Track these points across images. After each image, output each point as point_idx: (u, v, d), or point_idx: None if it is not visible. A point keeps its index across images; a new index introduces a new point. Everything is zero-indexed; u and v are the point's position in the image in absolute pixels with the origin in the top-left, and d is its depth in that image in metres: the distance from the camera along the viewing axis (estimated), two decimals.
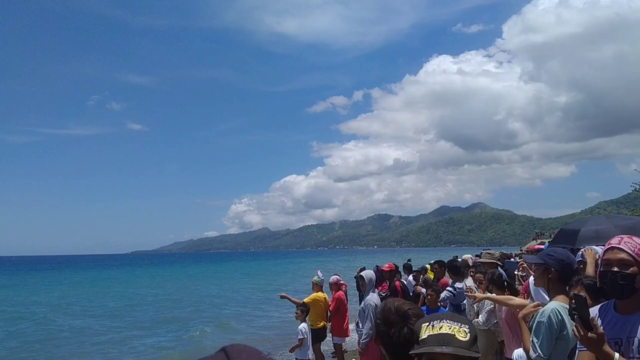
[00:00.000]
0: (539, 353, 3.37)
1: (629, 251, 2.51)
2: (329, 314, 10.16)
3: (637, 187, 23.60)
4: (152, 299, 33.42)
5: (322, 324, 9.96)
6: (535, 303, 4.24)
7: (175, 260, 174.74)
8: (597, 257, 4.16)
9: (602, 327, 2.49)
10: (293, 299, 10.05)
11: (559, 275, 3.58)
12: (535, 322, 3.46)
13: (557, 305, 3.42)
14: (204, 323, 20.94)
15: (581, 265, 4.52)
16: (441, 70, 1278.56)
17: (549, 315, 3.37)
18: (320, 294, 10.05)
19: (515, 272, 10.43)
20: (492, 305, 6.60)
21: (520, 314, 3.94)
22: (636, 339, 2.43)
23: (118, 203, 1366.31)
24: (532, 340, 3.44)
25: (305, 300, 9.85)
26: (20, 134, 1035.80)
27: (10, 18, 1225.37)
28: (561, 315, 3.36)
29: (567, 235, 7.76)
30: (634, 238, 2.56)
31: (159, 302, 31.26)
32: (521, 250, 28.56)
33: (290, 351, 9.30)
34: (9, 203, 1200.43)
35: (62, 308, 29.36)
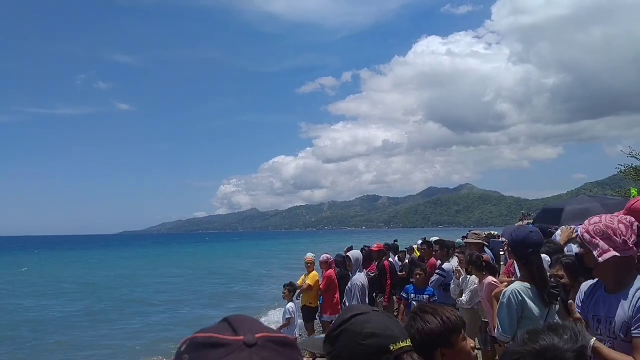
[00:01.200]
0: (501, 332, 3.46)
1: (580, 234, 2.65)
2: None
3: (623, 168, 23.82)
4: (188, 277, 35.05)
5: (317, 303, 10.10)
6: (506, 282, 4.30)
7: (168, 240, 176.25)
8: (574, 236, 4.22)
9: (589, 305, 2.63)
10: (304, 286, 10.06)
11: (514, 254, 3.62)
12: (499, 302, 3.53)
13: (518, 286, 3.47)
14: (266, 299, 21.85)
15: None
16: (430, 51, 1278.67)
17: (509, 296, 3.43)
18: (316, 272, 10.16)
19: (500, 252, 10.61)
20: (475, 285, 6.71)
21: (494, 293, 4.00)
22: (615, 320, 2.49)
23: (106, 184, 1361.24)
24: (497, 320, 3.53)
25: (309, 282, 9.98)
26: (6, 114, 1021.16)
27: None
28: (521, 296, 3.39)
29: (550, 215, 7.89)
30: (592, 219, 2.63)
31: (202, 279, 32.89)
32: None
33: (277, 330, 9.38)
34: None
35: (129, 284, 30.85)
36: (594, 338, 2.45)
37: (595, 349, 2.41)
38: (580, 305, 2.77)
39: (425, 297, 7.70)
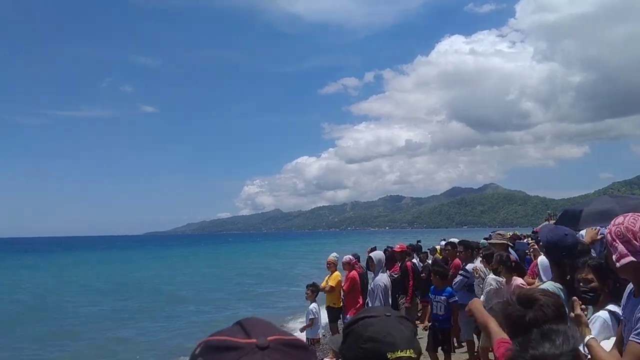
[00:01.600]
0: None
1: (605, 234, 2.60)
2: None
3: None
4: (222, 276, 36.24)
5: (341, 303, 10.10)
6: (535, 284, 4.25)
7: (194, 241, 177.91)
8: (599, 237, 4.14)
9: (624, 306, 2.62)
10: (326, 288, 10.06)
11: (548, 255, 3.56)
12: None
13: (549, 286, 3.43)
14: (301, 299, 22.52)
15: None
16: (453, 50, 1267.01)
17: None
18: (338, 273, 10.15)
19: (526, 252, 10.44)
20: (491, 287, 6.70)
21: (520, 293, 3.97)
22: (629, 322, 2.46)
23: (130, 185, 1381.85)
24: None
25: (331, 284, 9.95)
26: (33, 116, 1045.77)
27: (23, 0, 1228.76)
28: None
29: (570, 216, 7.74)
30: (617, 219, 2.55)
31: (237, 279, 34.00)
32: (533, 232, 28.40)
33: (301, 331, 9.43)
34: (22, 185, 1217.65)
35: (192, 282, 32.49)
36: (589, 335, 2.44)
37: (588, 347, 2.39)
38: (622, 305, 2.74)
39: (443, 297, 7.67)
